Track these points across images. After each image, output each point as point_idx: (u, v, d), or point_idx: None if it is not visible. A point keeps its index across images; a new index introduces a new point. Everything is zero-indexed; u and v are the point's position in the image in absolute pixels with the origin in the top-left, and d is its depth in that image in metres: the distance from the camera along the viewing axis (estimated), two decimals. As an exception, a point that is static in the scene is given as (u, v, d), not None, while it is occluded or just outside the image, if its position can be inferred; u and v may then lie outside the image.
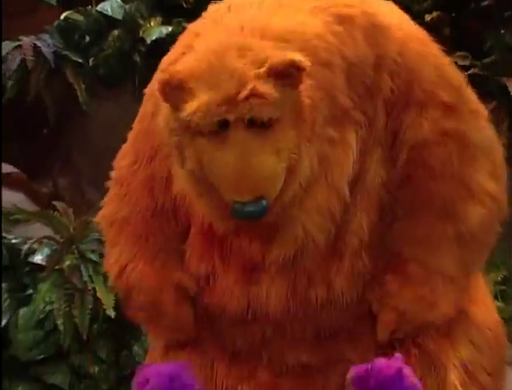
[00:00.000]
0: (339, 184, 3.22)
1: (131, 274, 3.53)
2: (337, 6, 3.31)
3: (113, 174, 3.63)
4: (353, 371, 3.01)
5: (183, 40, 3.41)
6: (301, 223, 3.22)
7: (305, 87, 3.08)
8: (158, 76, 3.41)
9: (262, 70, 2.98)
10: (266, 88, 2.97)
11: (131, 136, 3.61)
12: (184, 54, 3.27)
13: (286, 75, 2.99)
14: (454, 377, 3.41)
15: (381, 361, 3.01)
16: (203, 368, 3.50)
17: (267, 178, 3.07)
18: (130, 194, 3.53)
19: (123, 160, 3.60)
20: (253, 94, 2.96)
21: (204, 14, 3.47)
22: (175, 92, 3.06)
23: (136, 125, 3.60)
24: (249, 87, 2.97)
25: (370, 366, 2.99)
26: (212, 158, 3.07)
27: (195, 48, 3.19)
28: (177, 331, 3.55)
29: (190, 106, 3.01)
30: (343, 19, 3.24)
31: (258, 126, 3.00)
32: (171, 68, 3.13)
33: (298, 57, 2.97)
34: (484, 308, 3.67)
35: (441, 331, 3.44)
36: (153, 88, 3.42)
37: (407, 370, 3.02)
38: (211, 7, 3.45)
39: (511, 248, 6.68)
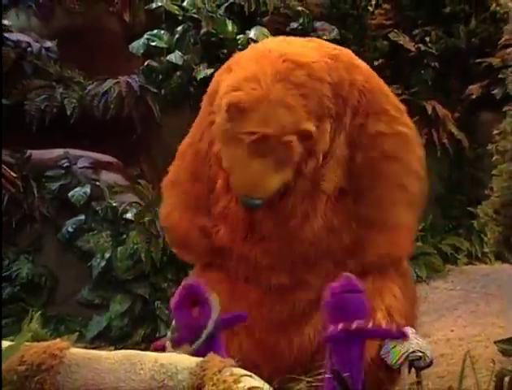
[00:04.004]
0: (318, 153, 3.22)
1: (171, 219, 3.53)
2: (328, 47, 3.40)
3: (177, 152, 3.60)
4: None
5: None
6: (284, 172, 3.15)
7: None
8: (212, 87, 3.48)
9: (297, 130, 3.07)
10: (293, 143, 3.07)
11: (191, 129, 3.60)
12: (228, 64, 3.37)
13: (303, 139, 3.09)
14: (380, 316, 3.32)
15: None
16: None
17: (261, 190, 3.11)
18: (184, 164, 3.51)
19: (184, 144, 3.59)
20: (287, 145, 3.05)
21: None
22: (237, 112, 3.08)
23: (195, 121, 3.59)
24: (287, 139, 3.04)
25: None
26: (244, 164, 3.09)
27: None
28: (197, 257, 3.54)
29: (248, 127, 3.05)
30: (331, 56, 3.30)
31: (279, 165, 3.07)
32: (238, 95, 3.10)
33: (312, 128, 3.09)
34: (404, 269, 3.61)
35: (374, 286, 3.36)
36: (209, 92, 3.48)
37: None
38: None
39: (426, 208, 6.71)
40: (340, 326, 2.85)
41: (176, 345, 2.82)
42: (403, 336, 3.00)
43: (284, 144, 3.05)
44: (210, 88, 3.51)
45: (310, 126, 3.09)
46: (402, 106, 3.52)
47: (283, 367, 3.32)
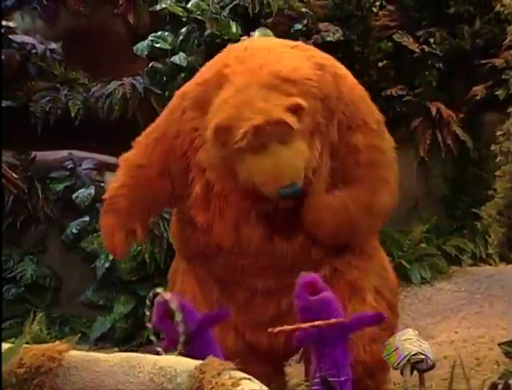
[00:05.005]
0: (307, 171, 3.20)
1: (115, 201, 3.43)
2: (315, 57, 3.35)
3: (142, 136, 3.52)
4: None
5: (213, 66, 3.39)
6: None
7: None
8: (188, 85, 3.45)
9: (287, 105, 3.02)
10: (290, 119, 3.02)
11: (160, 118, 3.50)
12: (218, 74, 3.26)
13: (296, 111, 3.04)
14: (369, 296, 3.39)
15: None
16: (203, 292, 3.48)
17: (296, 171, 3.10)
18: (152, 157, 3.41)
19: (152, 133, 3.49)
20: (281, 122, 3.00)
21: (225, 52, 3.44)
22: (223, 134, 3.06)
23: (166, 111, 3.50)
24: (275, 118, 3.00)
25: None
26: (258, 164, 3.07)
27: (227, 88, 3.14)
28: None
29: (239, 134, 3.00)
30: (320, 66, 3.27)
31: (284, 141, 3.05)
32: (217, 121, 3.08)
33: (302, 101, 3.05)
34: (382, 255, 3.69)
35: (359, 268, 3.42)
36: (184, 90, 3.43)
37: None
38: (230, 48, 3.47)
39: (430, 209, 6.70)
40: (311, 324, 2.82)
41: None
42: (379, 320, 2.97)
43: (277, 123, 3.01)
44: (196, 94, 3.38)
45: (295, 99, 3.06)
46: (381, 117, 3.50)
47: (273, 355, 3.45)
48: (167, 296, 2.89)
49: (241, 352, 3.37)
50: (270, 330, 2.88)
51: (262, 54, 3.34)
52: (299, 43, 3.63)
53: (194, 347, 2.78)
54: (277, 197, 3.13)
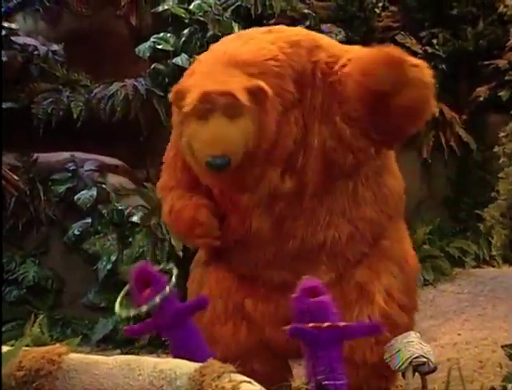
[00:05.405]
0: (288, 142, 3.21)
1: (176, 206, 3.43)
2: (289, 36, 3.34)
3: (164, 158, 3.61)
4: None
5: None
6: (269, 174, 3.22)
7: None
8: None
9: (245, 86, 3.05)
10: (242, 96, 3.03)
11: (172, 136, 3.58)
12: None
13: (255, 93, 3.06)
14: (379, 298, 3.34)
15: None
16: (220, 288, 3.48)
17: (231, 145, 3.08)
18: (175, 173, 3.50)
19: (169, 152, 3.57)
20: (229, 94, 3.02)
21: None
22: (181, 98, 3.11)
23: (173, 127, 3.55)
24: (227, 89, 3.03)
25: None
26: (199, 130, 3.08)
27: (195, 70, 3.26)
28: (210, 235, 3.36)
29: (189, 97, 3.05)
30: (292, 43, 3.27)
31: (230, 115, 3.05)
32: (178, 85, 3.20)
33: (266, 86, 3.07)
34: (401, 247, 3.59)
35: (371, 269, 3.37)
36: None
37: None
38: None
39: (433, 211, 6.69)
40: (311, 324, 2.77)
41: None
42: (375, 331, 2.94)
43: (225, 94, 3.03)
44: None
45: (259, 82, 3.08)
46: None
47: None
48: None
49: (254, 347, 3.40)
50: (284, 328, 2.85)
51: (229, 40, 3.45)
52: (274, 27, 3.64)
53: (176, 337, 2.79)
54: (206, 166, 3.11)
